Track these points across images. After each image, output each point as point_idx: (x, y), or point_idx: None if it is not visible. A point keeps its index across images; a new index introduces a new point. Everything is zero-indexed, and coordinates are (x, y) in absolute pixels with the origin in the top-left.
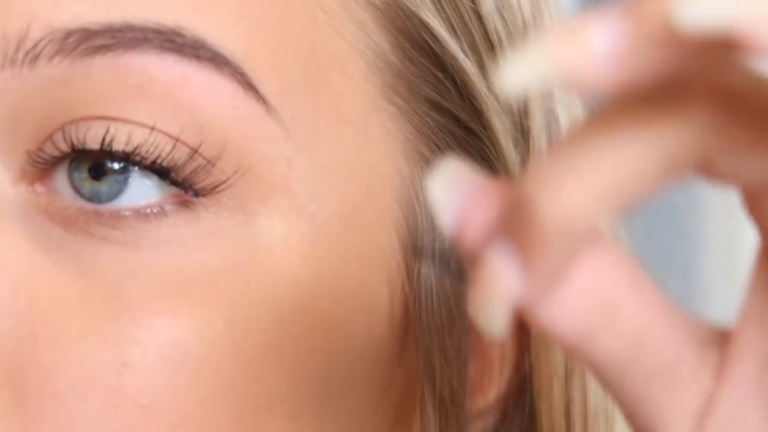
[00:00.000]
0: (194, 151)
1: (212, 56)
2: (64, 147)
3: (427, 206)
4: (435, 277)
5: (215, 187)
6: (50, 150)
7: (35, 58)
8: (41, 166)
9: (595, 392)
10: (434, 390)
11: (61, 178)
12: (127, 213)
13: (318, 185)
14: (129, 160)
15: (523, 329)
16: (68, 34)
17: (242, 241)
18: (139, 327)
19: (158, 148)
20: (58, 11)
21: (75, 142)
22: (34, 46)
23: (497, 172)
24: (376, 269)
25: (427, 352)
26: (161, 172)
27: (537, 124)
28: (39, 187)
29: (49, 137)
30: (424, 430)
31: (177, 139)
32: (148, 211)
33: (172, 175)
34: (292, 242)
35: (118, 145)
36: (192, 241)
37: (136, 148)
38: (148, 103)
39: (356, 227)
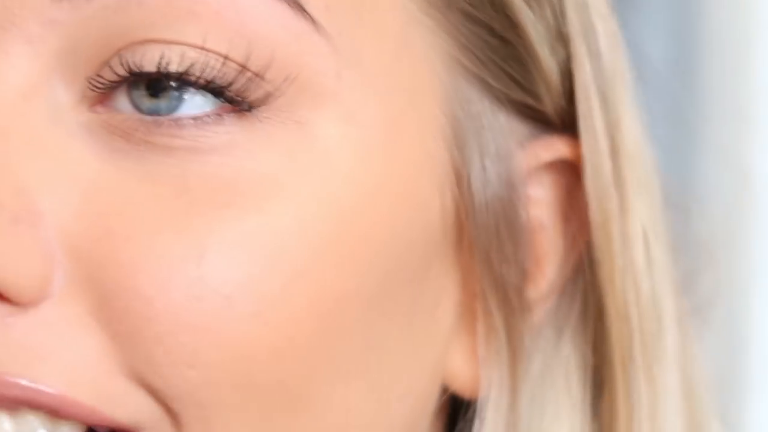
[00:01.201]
0: (243, 67)
1: None
2: (122, 71)
3: (471, 116)
4: (485, 180)
5: (266, 97)
6: (108, 75)
7: None
8: (100, 91)
9: (646, 292)
10: (495, 286)
11: (120, 98)
12: (185, 121)
13: (365, 95)
14: (183, 80)
15: (569, 225)
16: None
17: (299, 145)
18: (211, 218)
19: (209, 65)
20: None
21: (132, 65)
22: None
23: (534, 79)
24: (425, 173)
25: (485, 251)
26: (214, 89)
27: (574, 30)
28: (99, 108)
29: (107, 62)
30: (487, 326)
31: (226, 57)
32: (206, 119)
33: (225, 91)
34: (346, 146)
35: (173, 66)
36: (250, 144)
37: (189, 66)
38: (199, 24)
39: (402, 133)
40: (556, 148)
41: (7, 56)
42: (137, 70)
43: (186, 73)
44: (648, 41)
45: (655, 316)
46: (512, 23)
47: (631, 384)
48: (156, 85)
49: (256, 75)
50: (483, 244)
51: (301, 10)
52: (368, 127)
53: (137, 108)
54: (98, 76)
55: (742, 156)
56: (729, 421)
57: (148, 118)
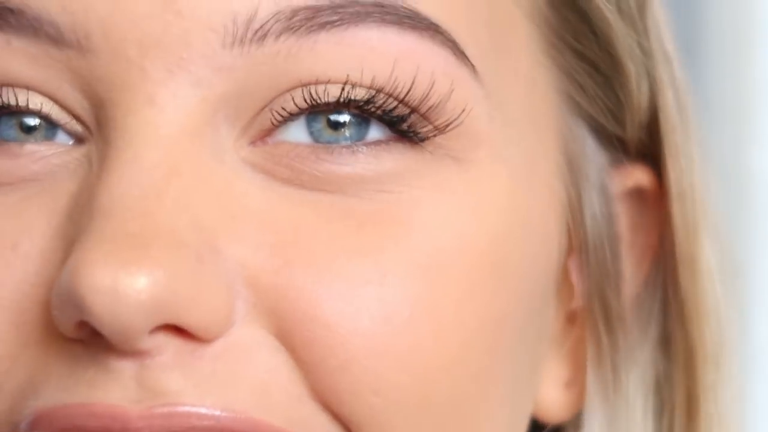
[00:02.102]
0: (424, 98)
1: (428, 25)
2: (302, 103)
3: (580, 150)
4: (593, 212)
5: (435, 135)
6: (289, 106)
7: (263, 37)
8: (279, 123)
9: (720, 302)
10: (601, 304)
11: (296, 131)
12: (359, 148)
13: (509, 136)
14: (363, 109)
15: (637, 243)
16: (295, 12)
17: (456, 179)
18: (384, 237)
19: (396, 89)
20: None
21: (314, 95)
22: (262, 26)
23: (624, 111)
24: (551, 209)
25: (594, 277)
26: (392, 120)
27: (659, 61)
28: (259, 143)
29: (286, 92)
30: (595, 344)
31: (410, 88)
32: (381, 146)
33: (402, 124)
34: (496, 183)
35: (358, 95)
36: (413, 174)
37: (373, 96)
38: (371, 71)
39: (536, 172)
40: (635, 176)
41: (174, 98)
42: (319, 100)
43: (364, 102)
44: None
45: (725, 329)
46: (614, 60)
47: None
48: (334, 119)
49: (424, 117)
50: (593, 263)
51: (464, 57)
52: (513, 165)
53: (316, 139)
54: (282, 108)
55: (742, 156)
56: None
57: (320, 145)
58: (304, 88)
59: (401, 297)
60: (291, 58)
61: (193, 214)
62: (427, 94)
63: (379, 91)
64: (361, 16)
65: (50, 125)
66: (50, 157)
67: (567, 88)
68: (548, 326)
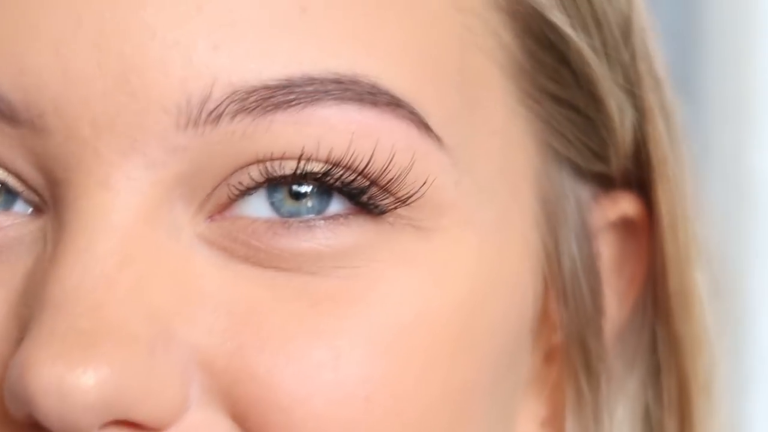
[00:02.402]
0: (384, 170)
1: (388, 101)
2: (260, 177)
3: (557, 195)
4: (572, 254)
5: (395, 207)
6: (246, 181)
7: (218, 118)
8: (236, 197)
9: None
10: (578, 342)
11: (243, 206)
12: (316, 222)
13: (480, 199)
14: (322, 181)
15: (624, 274)
16: (250, 92)
17: (420, 249)
18: (339, 317)
19: (354, 163)
20: (239, 69)
21: (270, 169)
22: (217, 107)
23: (608, 147)
24: (525, 263)
25: (571, 316)
26: (351, 192)
27: (646, 88)
28: (217, 217)
29: (242, 168)
30: (573, 385)
31: (370, 160)
32: (339, 220)
33: (362, 195)
34: (464, 249)
35: (313, 167)
36: (373, 247)
37: (331, 168)
38: (328, 148)
39: (509, 229)
40: (620, 206)
41: (128, 180)
42: (274, 174)
43: (327, 174)
44: None
45: (712, 358)
46: (595, 99)
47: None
48: (296, 190)
49: (384, 189)
50: (571, 308)
51: (427, 129)
52: (483, 228)
53: (277, 211)
54: (239, 182)
55: (743, 156)
56: (729, 421)
57: (279, 219)
58: (260, 164)
59: (357, 378)
60: (247, 138)
61: (147, 302)
62: (386, 167)
63: (336, 164)
64: (318, 95)
65: (9, 194)
66: (7, 228)
67: (545, 135)
68: (523, 373)
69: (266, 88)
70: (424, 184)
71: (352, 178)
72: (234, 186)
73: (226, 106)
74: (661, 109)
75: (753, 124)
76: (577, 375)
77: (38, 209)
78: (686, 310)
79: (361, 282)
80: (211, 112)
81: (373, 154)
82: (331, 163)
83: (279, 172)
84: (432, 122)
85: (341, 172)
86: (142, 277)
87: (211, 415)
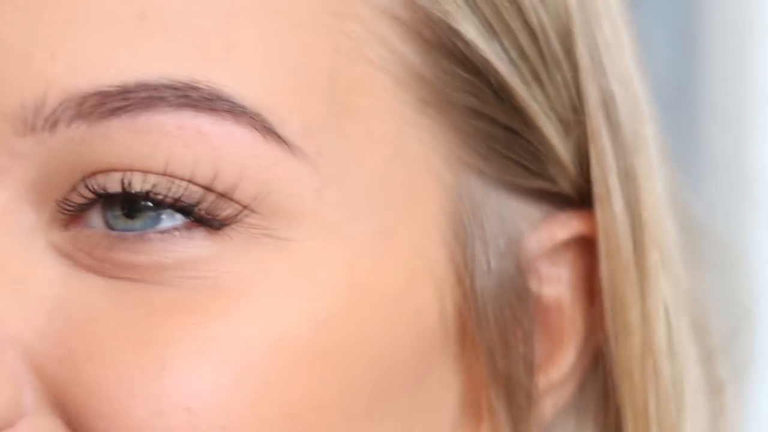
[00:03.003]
0: (208, 189)
1: (229, 108)
2: (88, 194)
3: (474, 211)
4: (490, 274)
5: (236, 215)
6: (76, 198)
7: (54, 124)
8: (70, 213)
9: (666, 376)
10: (498, 380)
11: (94, 217)
12: (151, 235)
13: (353, 209)
14: (150, 198)
15: (591, 304)
16: (84, 98)
17: (272, 257)
18: (171, 327)
19: (173, 185)
20: (73, 75)
21: (97, 188)
22: (52, 113)
23: (546, 163)
24: (421, 279)
25: (488, 347)
26: (183, 208)
27: (592, 103)
28: (72, 227)
29: (74, 188)
30: (492, 423)
31: (189, 180)
32: (174, 233)
33: (194, 209)
34: (327, 259)
35: (136, 186)
36: (218, 258)
37: (153, 186)
38: (166, 159)
39: (395, 242)
40: (571, 225)
41: None
42: (102, 192)
43: (151, 191)
44: (648, 42)
45: (675, 404)
46: (518, 112)
47: None
48: (131, 206)
49: (223, 195)
50: (486, 340)
51: (275, 136)
52: (354, 239)
53: (111, 228)
54: (66, 199)
55: (743, 156)
56: (729, 422)
57: (114, 233)
58: (91, 178)
59: (182, 389)
60: (85, 144)
61: None
62: (221, 174)
63: (169, 175)
64: (153, 101)
65: None
66: None
67: (457, 148)
68: (446, 393)
69: (100, 94)
70: (269, 194)
71: (183, 188)
72: (70, 200)
73: (62, 112)
74: (611, 128)
75: (753, 124)
76: (497, 416)
77: None
78: (626, 353)
79: (206, 293)
80: (47, 117)
81: (209, 160)
82: (163, 174)
83: (111, 188)
84: (285, 131)
85: (171, 185)
86: None
87: (48, 420)
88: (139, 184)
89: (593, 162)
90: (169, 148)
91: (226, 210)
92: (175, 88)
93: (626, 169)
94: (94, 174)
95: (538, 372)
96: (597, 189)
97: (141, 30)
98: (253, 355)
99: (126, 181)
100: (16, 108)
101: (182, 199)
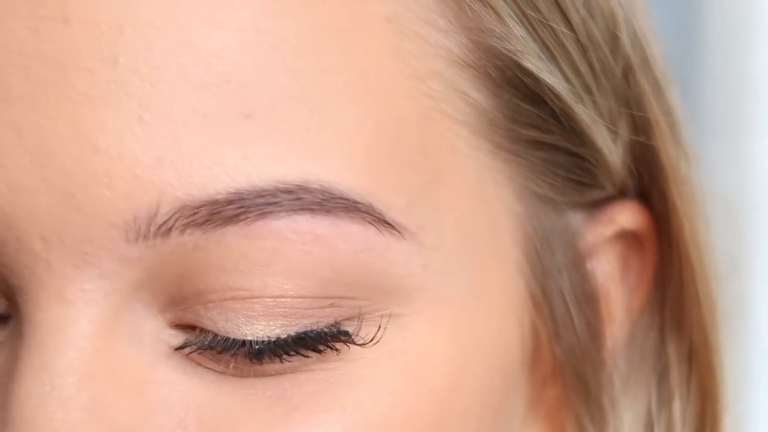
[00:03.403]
0: (328, 298)
1: (343, 206)
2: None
3: (543, 236)
4: (560, 289)
5: (360, 315)
6: (191, 320)
7: (167, 232)
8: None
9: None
10: (574, 371)
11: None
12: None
13: (452, 272)
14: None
15: (629, 278)
16: (197, 207)
17: (392, 337)
18: (311, 425)
19: (297, 315)
20: (185, 184)
21: (212, 328)
22: (165, 222)
23: (599, 175)
24: (508, 318)
25: (564, 351)
26: (304, 339)
27: (646, 97)
28: (188, 329)
29: (188, 308)
30: (568, 400)
31: (311, 298)
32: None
33: (315, 337)
34: (437, 328)
35: (257, 335)
36: (343, 349)
37: (277, 325)
38: (285, 264)
39: (487, 291)
40: (616, 222)
41: (83, 293)
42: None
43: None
44: None
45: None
46: (575, 132)
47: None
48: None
49: (345, 298)
50: (562, 346)
51: (386, 224)
52: (456, 301)
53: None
54: (179, 322)
55: (743, 155)
56: (729, 423)
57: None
58: (207, 310)
59: None
60: (199, 249)
61: (109, 418)
62: (343, 278)
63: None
64: (269, 207)
65: None
66: None
67: (525, 181)
68: (519, 409)
69: (214, 202)
70: (386, 282)
71: (297, 324)
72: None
73: (175, 221)
74: (666, 114)
75: (753, 124)
76: (576, 407)
77: (6, 315)
78: (710, 312)
79: (338, 384)
80: (160, 226)
81: (327, 263)
82: (300, 297)
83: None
84: (392, 213)
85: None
86: (103, 392)
87: None
88: (263, 328)
89: (662, 152)
90: (285, 253)
91: (350, 311)
92: (290, 192)
93: (682, 150)
94: (211, 303)
95: (603, 354)
96: (670, 174)
97: (247, 131)
98: None
99: (249, 334)
100: (127, 218)
101: (306, 334)
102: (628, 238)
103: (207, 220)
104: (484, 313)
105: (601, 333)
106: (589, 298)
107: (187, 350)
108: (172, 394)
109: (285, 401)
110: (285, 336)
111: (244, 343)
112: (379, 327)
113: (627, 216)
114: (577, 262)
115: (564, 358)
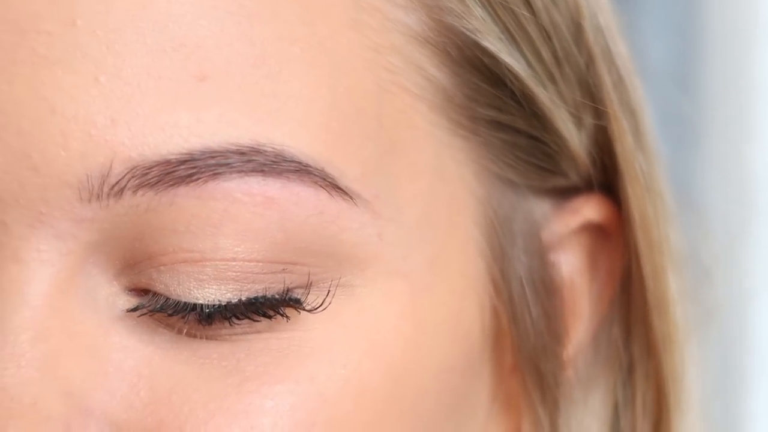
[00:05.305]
0: (279, 263)
1: (295, 168)
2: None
3: (504, 219)
4: (520, 275)
5: (310, 282)
6: (145, 284)
7: (120, 192)
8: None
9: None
10: (532, 364)
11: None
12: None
13: (407, 245)
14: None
15: (594, 279)
16: (149, 168)
17: (345, 308)
18: (263, 396)
19: (247, 280)
20: (138, 144)
21: (164, 291)
22: (117, 182)
23: (561, 162)
24: (468, 298)
25: (522, 340)
26: (255, 303)
27: (606, 89)
28: (143, 295)
29: (142, 271)
30: (529, 409)
31: (261, 261)
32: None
33: (265, 303)
34: (391, 301)
35: (209, 299)
36: (301, 317)
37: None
38: (235, 226)
39: (446, 267)
40: (582, 213)
41: (38, 253)
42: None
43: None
44: (648, 42)
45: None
46: (537, 116)
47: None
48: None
49: (297, 264)
50: (520, 333)
51: (338, 190)
52: (413, 276)
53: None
54: (133, 284)
55: (743, 157)
56: (730, 423)
57: (192, 315)
58: (159, 273)
59: None
60: (151, 211)
61: (62, 378)
62: (294, 242)
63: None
64: (220, 168)
65: None
66: None
67: (485, 162)
68: (482, 397)
69: (166, 163)
70: (338, 245)
71: (248, 290)
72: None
73: (127, 181)
74: (625, 108)
75: (753, 124)
76: (531, 397)
77: None
78: (661, 308)
79: (293, 357)
80: (113, 186)
81: (278, 225)
82: (251, 260)
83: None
84: (346, 180)
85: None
86: (57, 351)
87: None
88: (213, 296)
89: (618, 146)
90: (236, 214)
91: (302, 277)
92: (242, 153)
93: (642, 147)
94: (162, 266)
95: (562, 349)
96: (625, 168)
97: (202, 93)
98: (338, 414)
99: (199, 296)
100: (81, 177)
101: (256, 299)
102: (595, 232)
103: (159, 181)
104: (442, 291)
105: (561, 326)
106: (548, 289)
107: (138, 312)
108: (126, 359)
109: (239, 372)
110: (236, 301)
111: (195, 306)
112: (328, 292)
113: (592, 208)
114: (539, 250)
115: (520, 345)
